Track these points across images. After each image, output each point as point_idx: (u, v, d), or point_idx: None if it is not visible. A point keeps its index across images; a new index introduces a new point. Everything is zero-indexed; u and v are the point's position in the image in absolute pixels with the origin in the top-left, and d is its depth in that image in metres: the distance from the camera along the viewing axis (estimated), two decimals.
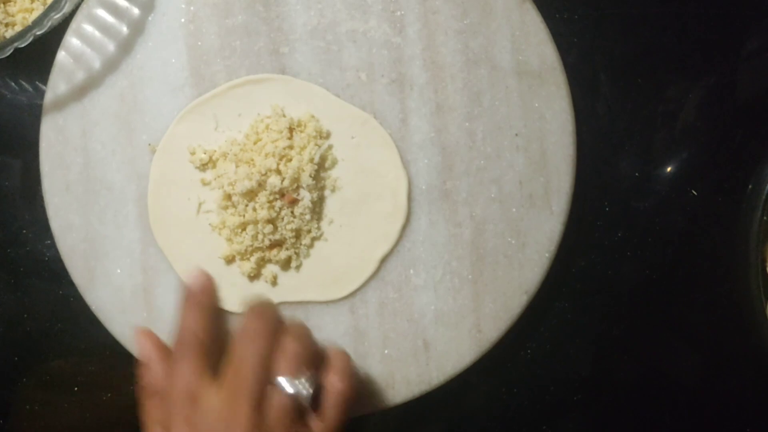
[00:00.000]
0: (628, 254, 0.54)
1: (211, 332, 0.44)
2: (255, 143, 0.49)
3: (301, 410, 0.41)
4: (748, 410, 0.55)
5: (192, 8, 0.50)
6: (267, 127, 0.49)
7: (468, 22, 0.50)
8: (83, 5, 0.50)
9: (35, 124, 0.51)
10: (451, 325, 0.50)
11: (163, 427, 0.42)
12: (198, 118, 0.50)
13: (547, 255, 0.50)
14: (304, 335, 0.43)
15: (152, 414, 0.44)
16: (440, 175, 0.50)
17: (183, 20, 0.50)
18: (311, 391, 0.41)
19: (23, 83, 0.54)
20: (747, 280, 0.47)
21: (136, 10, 0.50)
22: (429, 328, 0.50)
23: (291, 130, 0.49)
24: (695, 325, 0.54)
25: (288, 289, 0.50)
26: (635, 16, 0.54)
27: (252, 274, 0.50)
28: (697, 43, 0.54)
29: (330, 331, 0.50)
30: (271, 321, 0.43)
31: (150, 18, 0.50)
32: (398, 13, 0.50)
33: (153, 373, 0.44)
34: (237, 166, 0.48)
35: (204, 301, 0.45)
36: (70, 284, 0.51)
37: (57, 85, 0.50)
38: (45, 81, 0.51)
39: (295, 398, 0.41)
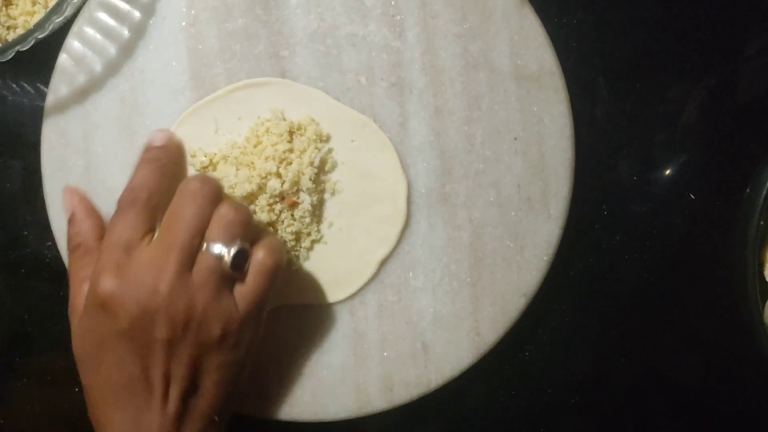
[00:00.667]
0: (626, 257, 0.54)
1: (161, 190, 0.45)
2: (255, 146, 0.49)
3: (226, 275, 0.42)
4: (746, 413, 0.55)
5: (192, 12, 0.50)
6: (267, 130, 0.49)
7: (467, 27, 0.50)
8: (85, 8, 0.50)
9: (37, 125, 0.51)
10: (450, 328, 0.50)
11: (91, 280, 0.42)
12: (198, 122, 0.50)
13: (545, 258, 0.51)
14: (242, 208, 0.44)
15: (78, 271, 0.45)
16: (439, 179, 0.50)
17: (184, 24, 0.50)
18: (237, 258, 0.42)
19: (25, 85, 0.55)
20: (744, 284, 0.47)
21: (137, 14, 0.50)
22: (428, 330, 0.50)
23: (291, 133, 0.49)
24: (693, 327, 0.54)
25: (287, 291, 0.50)
26: (634, 20, 0.54)
27: None
28: (696, 46, 0.54)
29: (329, 333, 0.50)
30: (213, 188, 0.43)
31: (151, 21, 0.50)
32: (398, 17, 0.50)
33: (79, 228, 0.46)
34: (237, 170, 0.49)
35: (161, 158, 0.46)
36: None
37: (58, 87, 0.50)
38: (46, 83, 0.51)
39: (221, 260, 0.42)
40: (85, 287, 0.43)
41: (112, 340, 0.41)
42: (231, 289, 0.43)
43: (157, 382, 0.41)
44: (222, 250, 0.42)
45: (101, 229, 0.46)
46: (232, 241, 0.42)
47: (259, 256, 0.43)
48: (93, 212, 0.46)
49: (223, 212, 0.43)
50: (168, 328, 0.41)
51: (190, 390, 0.42)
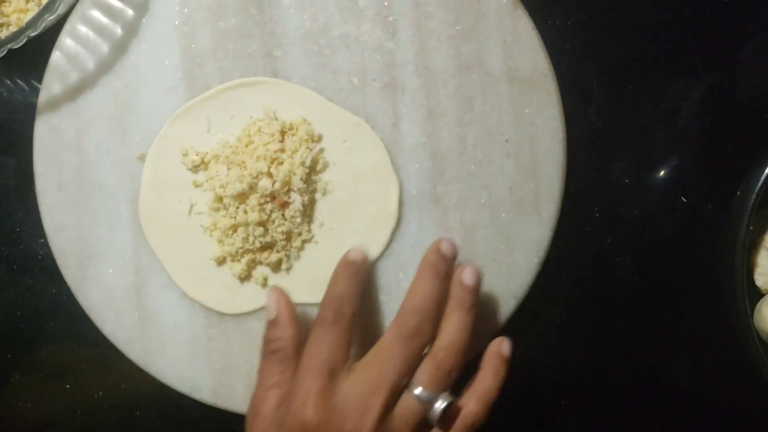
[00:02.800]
0: (618, 260, 0.54)
1: (358, 306, 0.44)
2: (247, 146, 0.49)
3: (426, 422, 0.42)
4: (736, 415, 0.55)
5: (186, 10, 0.50)
6: (259, 130, 0.49)
7: (460, 28, 0.50)
8: (78, 6, 0.50)
9: (30, 122, 0.51)
10: None
11: (283, 392, 0.42)
12: (191, 120, 0.50)
13: (536, 260, 0.51)
14: (460, 354, 0.42)
15: (269, 375, 0.43)
16: (431, 180, 0.50)
17: (177, 22, 0.50)
18: (447, 410, 0.41)
19: (18, 81, 0.55)
20: (733, 288, 0.48)
21: (130, 12, 0.50)
22: None
23: (283, 133, 0.49)
24: (684, 330, 0.55)
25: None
26: (627, 23, 0.54)
27: (243, 276, 0.50)
28: (689, 49, 0.54)
29: None
30: (426, 332, 0.42)
31: (144, 20, 0.50)
32: (391, 18, 0.50)
33: (281, 333, 0.44)
34: (228, 169, 0.49)
35: (360, 274, 0.45)
36: (63, 283, 0.51)
37: (51, 85, 0.50)
38: (40, 79, 0.51)
39: (428, 409, 0.41)
40: (274, 395, 0.42)
41: None
42: None
43: None
44: (431, 399, 0.41)
45: (300, 337, 0.44)
46: (444, 390, 0.41)
47: (470, 407, 0.42)
48: (295, 319, 0.45)
49: (440, 358, 0.42)
50: None
51: None
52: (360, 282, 0.45)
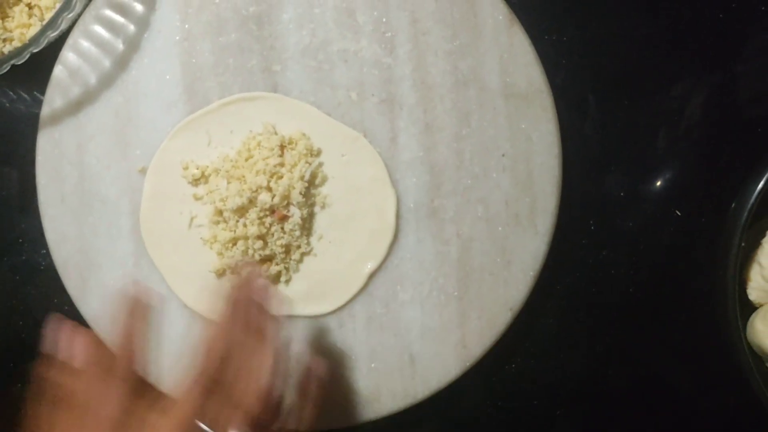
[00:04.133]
0: (612, 272, 0.55)
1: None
2: (246, 160, 0.50)
3: None
4: (727, 425, 0.56)
5: (187, 26, 0.51)
6: (258, 144, 0.50)
7: (457, 44, 0.51)
8: (80, 21, 0.51)
9: (32, 133, 0.52)
10: (437, 340, 0.51)
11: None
12: (191, 135, 0.51)
13: (531, 273, 0.51)
14: (269, 392, 0.39)
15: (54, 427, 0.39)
16: (428, 194, 0.51)
17: (178, 38, 0.51)
18: None
19: (21, 93, 0.55)
20: (725, 302, 0.48)
21: (132, 27, 0.51)
22: (415, 342, 0.51)
23: (282, 147, 0.50)
24: (677, 342, 0.55)
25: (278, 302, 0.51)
26: (622, 39, 0.55)
27: None
28: (684, 64, 0.55)
29: (317, 344, 0.51)
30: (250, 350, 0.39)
31: (145, 35, 0.51)
32: (389, 34, 0.51)
33: (70, 376, 0.40)
34: (228, 182, 0.49)
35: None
36: (65, 293, 0.52)
37: (53, 99, 0.51)
38: (42, 91, 0.51)
39: None
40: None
41: None
42: None
43: None
44: None
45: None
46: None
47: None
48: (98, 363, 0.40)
49: (246, 405, 0.39)
50: None
51: None
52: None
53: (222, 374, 0.39)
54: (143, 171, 0.51)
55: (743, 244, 0.47)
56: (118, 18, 0.51)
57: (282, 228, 0.49)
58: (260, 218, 0.49)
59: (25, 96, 0.55)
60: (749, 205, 0.48)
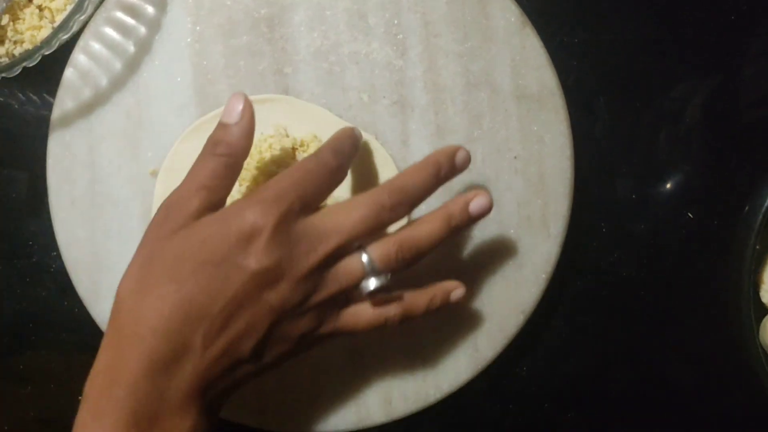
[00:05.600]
0: (624, 275, 0.55)
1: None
2: (258, 162, 0.49)
3: (351, 291, 0.41)
4: (741, 430, 0.56)
5: (198, 28, 0.51)
6: (270, 146, 0.50)
7: (469, 46, 0.51)
8: (91, 23, 0.51)
9: (42, 135, 0.52)
10: (449, 343, 0.51)
11: (213, 198, 0.40)
12: (202, 137, 0.50)
13: (543, 276, 0.51)
14: (422, 252, 0.42)
15: (203, 174, 0.41)
16: (440, 197, 0.50)
17: (189, 40, 0.51)
18: (377, 289, 0.41)
19: (30, 95, 0.55)
20: (739, 305, 0.48)
21: (143, 29, 0.51)
22: (427, 345, 0.51)
23: (294, 149, 0.50)
24: (690, 346, 0.55)
25: None
26: (634, 40, 0.54)
27: None
28: (695, 65, 0.55)
29: (329, 346, 0.51)
30: (407, 205, 0.42)
31: (156, 37, 0.51)
32: (400, 36, 0.51)
33: (235, 138, 0.42)
34: (240, 185, 0.49)
35: (356, 144, 0.45)
36: (76, 295, 0.52)
37: (64, 101, 0.51)
38: (52, 93, 0.51)
39: (363, 279, 0.41)
40: (201, 197, 0.40)
41: (229, 269, 0.38)
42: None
43: (233, 331, 0.38)
44: (373, 272, 0.41)
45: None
46: (387, 274, 0.41)
47: (391, 309, 0.42)
48: (253, 135, 0.43)
49: (402, 245, 0.41)
50: (283, 298, 0.39)
51: (250, 353, 0.39)
52: (354, 149, 0.44)
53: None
54: (154, 173, 0.51)
55: (757, 247, 0.47)
56: (129, 20, 0.51)
57: None
58: None
59: (36, 98, 0.55)
60: (763, 208, 0.48)
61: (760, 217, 0.48)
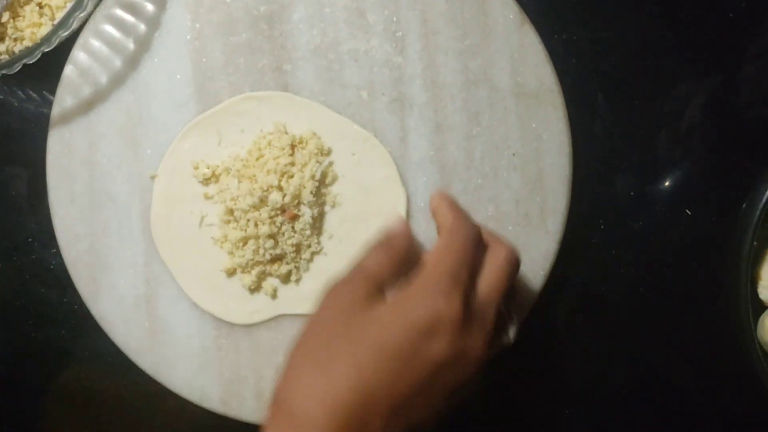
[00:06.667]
0: (623, 272, 0.55)
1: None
2: (257, 159, 0.50)
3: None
4: (739, 427, 0.56)
5: (197, 25, 0.51)
6: (269, 143, 0.50)
7: (468, 43, 0.51)
8: (91, 20, 0.51)
9: (42, 133, 0.52)
10: None
11: (382, 283, 0.40)
12: (202, 134, 0.51)
13: (542, 272, 0.51)
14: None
15: (375, 261, 0.41)
16: None
17: (188, 37, 0.51)
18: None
19: (30, 92, 0.55)
20: (737, 301, 0.48)
21: (142, 27, 0.51)
22: None
23: (293, 146, 0.50)
24: (688, 342, 0.55)
25: (288, 301, 0.51)
26: (633, 37, 0.55)
27: (252, 287, 0.51)
28: (694, 63, 0.55)
29: None
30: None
31: (156, 34, 0.51)
32: (399, 33, 0.51)
33: (399, 238, 0.42)
34: (239, 182, 0.49)
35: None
36: (75, 292, 0.52)
37: (64, 98, 0.51)
38: (52, 90, 0.51)
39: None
40: (368, 283, 0.40)
41: (413, 359, 0.38)
42: None
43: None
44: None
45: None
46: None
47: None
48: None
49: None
50: (457, 380, 0.40)
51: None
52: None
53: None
54: (154, 176, 0.51)
55: (755, 243, 0.47)
56: (129, 17, 0.51)
57: (293, 227, 0.49)
58: (271, 217, 0.49)
59: (35, 96, 0.55)
60: (761, 204, 0.48)
61: (758, 213, 0.48)
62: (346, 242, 0.51)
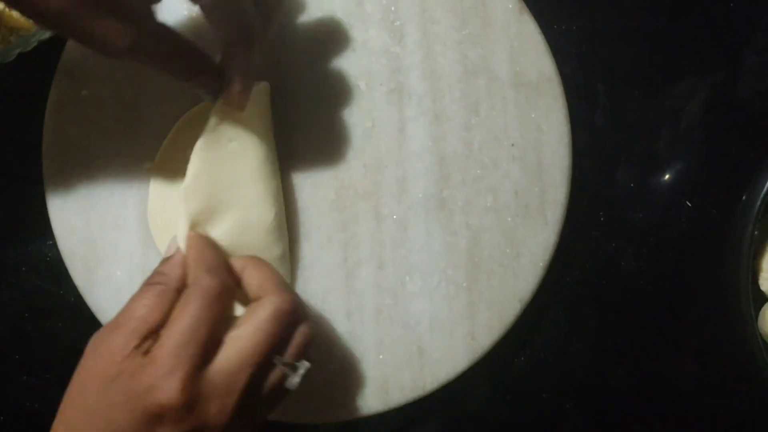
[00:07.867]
0: (623, 264, 0.54)
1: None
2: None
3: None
4: (740, 420, 0.55)
5: (194, 15, 0.50)
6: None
7: (467, 33, 0.51)
8: None
9: (38, 123, 0.51)
10: (446, 332, 0.51)
11: (144, 328, 0.38)
12: (197, 126, 0.50)
13: (541, 264, 0.51)
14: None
15: (137, 306, 0.39)
16: (437, 184, 0.51)
17: (185, 27, 0.50)
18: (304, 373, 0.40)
19: (27, 82, 0.55)
20: (738, 293, 0.48)
21: None
22: (424, 334, 0.51)
23: None
24: (688, 334, 0.55)
25: None
26: (633, 27, 0.54)
27: None
28: (694, 54, 0.55)
29: (326, 336, 0.51)
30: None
31: None
32: (397, 23, 0.50)
33: (168, 268, 0.41)
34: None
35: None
36: (71, 284, 0.51)
37: (60, 88, 0.51)
38: (49, 80, 0.51)
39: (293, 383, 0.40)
40: (133, 328, 0.39)
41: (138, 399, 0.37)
42: None
43: None
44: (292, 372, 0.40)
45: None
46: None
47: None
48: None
49: (302, 335, 0.41)
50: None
51: None
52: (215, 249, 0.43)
53: None
54: (151, 168, 0.50)
55: (756, 233, 0.47)
56: None
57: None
58: None
59: (32, 85, 0.55)
60: (761, 196, 0.48)
61: (758, 205, 0.48)
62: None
